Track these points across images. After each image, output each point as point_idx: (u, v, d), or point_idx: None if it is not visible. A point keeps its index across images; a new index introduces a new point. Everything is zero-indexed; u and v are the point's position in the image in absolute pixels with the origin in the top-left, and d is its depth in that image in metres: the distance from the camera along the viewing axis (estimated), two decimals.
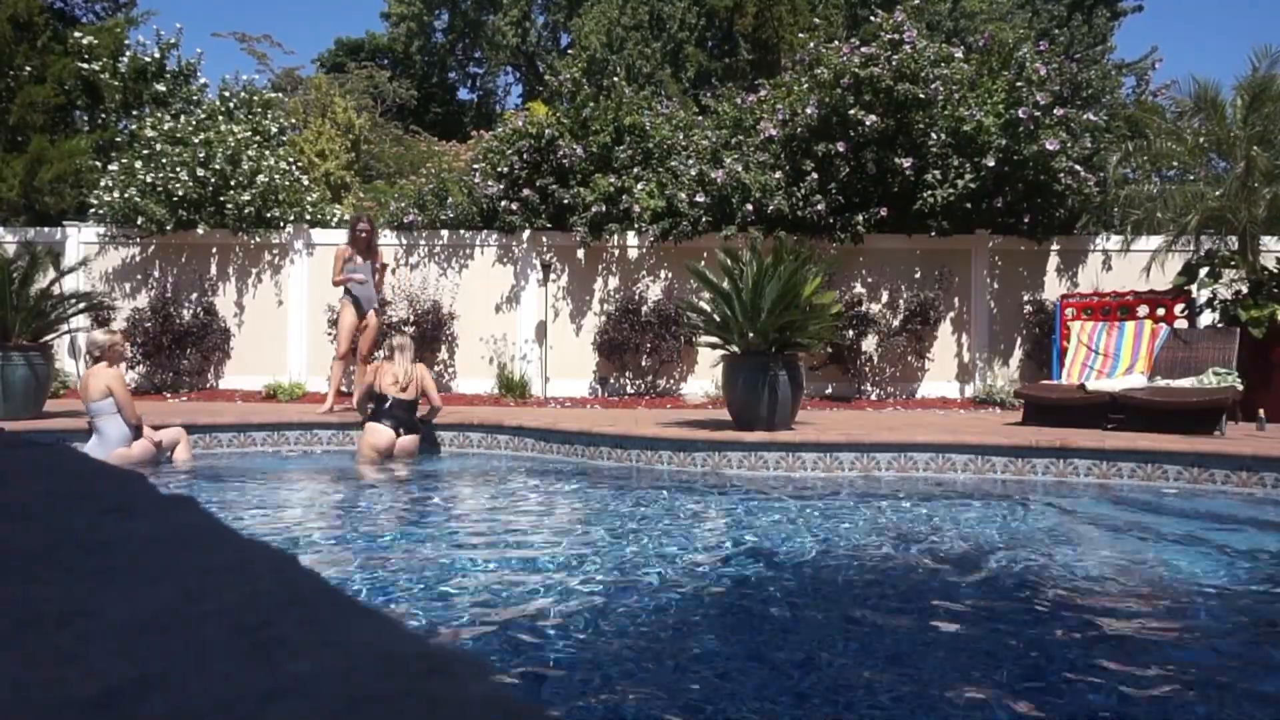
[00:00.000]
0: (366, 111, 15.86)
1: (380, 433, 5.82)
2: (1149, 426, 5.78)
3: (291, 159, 10.50)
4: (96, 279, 9.58)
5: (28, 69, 11.27)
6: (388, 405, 5.88)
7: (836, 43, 9.41)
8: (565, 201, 9.29)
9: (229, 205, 9.28)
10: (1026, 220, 8.98)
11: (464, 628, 2.51)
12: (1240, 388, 6.13)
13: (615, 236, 9.41)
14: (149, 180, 9.23)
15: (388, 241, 9.58)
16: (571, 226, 9.26)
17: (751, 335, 5.79)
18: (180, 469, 5.50)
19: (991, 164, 8.49)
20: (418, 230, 9.62)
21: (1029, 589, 3.08)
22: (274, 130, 10.80)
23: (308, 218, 9.88)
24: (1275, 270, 7.53)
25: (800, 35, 13.13)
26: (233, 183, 9.36)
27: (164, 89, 11.80)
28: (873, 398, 9.21)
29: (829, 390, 9.40)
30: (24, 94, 11.14)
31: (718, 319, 6.05)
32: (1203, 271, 7.84)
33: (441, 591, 2.88)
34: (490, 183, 9.39)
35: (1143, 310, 7.35)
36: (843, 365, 9.23)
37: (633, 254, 9.62)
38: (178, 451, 5.66)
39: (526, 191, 9.28)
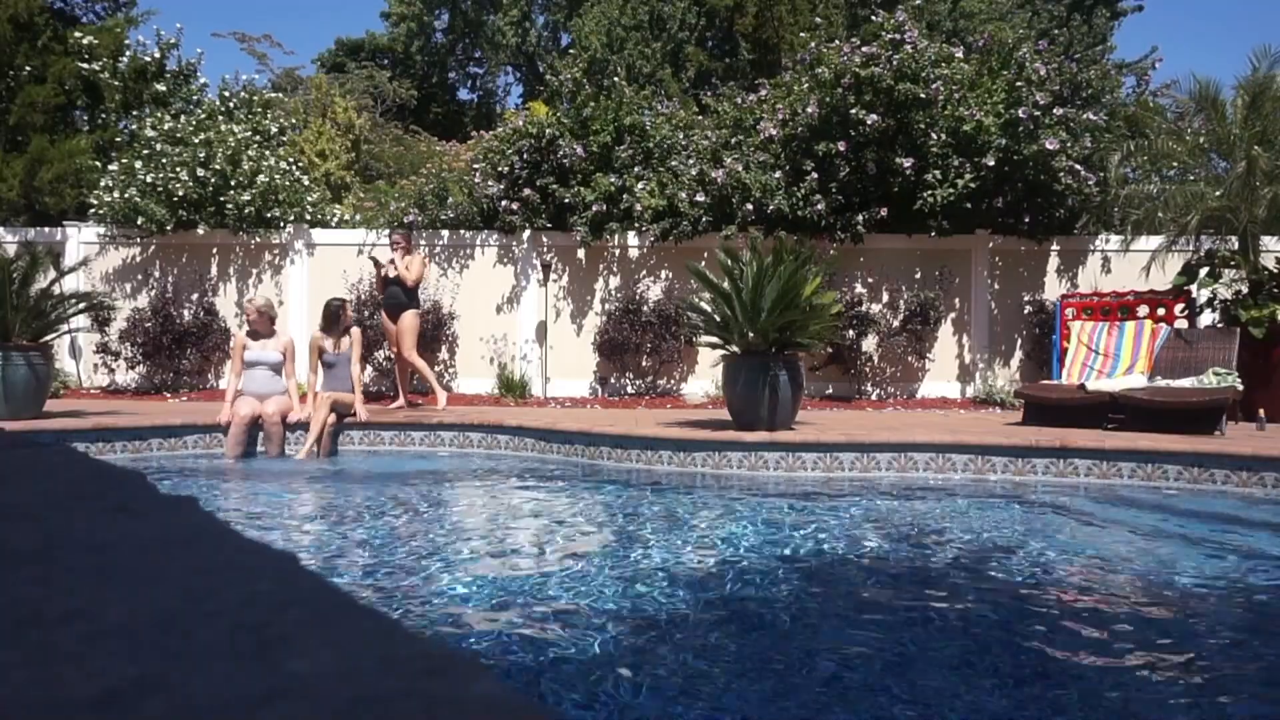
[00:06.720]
0: (366, 111, 15.86)
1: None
2: (1149, 426, 5.78)
3: (291, 159, 10.50)
4: (97, 279, 9.58)
5: (28, 69, 11.27)
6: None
7: (837, 42, 9.40)
8: (566, 201, 9.29)
9: (229, 205, 9.28)
10: (1026, 220, 8.98)
11: (464, 628, 2.51)
12: (1240, 388, 6.13)
13: (615, 236, 9.41)
14: (149, 180, 9.23)
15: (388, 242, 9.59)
16: (572, 226, 9.26)
17: (751, 335, 5.79)
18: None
19: (991, 164, 8.49)
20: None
21: (1028, 590, 3.08)
22: (274, 130, 10.81)
23: (308, 218, 9.89)
24: (1275, 270, 7.53)
25: (801, 35, 13.13)
26: (233, 183, 9.36)
27: (164, 89, 11.81)
28: (873, 398, 9.21)
29: (829, 390, 9.40)
30: (24, 94, 11.14)
31: (718, 319, 6.05)
32: (1203, 271, 7.84)
33: (442, 591, 2.89)
34: (490, 183, 9.39)
35: (1143, 310, 7.35)
36: (843, 365, 9.23)
37: (633, 254, 9.62)
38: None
39: (527, 191, 9.28)
